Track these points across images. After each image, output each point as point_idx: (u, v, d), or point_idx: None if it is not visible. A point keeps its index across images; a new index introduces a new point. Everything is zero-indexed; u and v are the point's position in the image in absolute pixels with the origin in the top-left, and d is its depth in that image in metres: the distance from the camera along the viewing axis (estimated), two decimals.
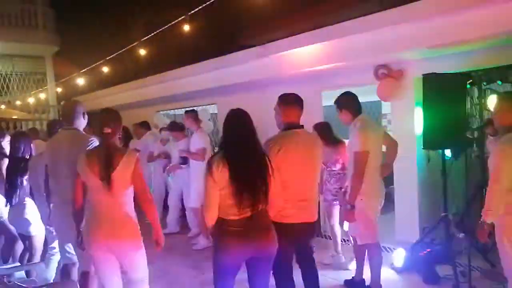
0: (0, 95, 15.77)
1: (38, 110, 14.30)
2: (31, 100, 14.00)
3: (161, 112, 9.62)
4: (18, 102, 14.49)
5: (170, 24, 5.63)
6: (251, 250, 2.53)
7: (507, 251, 2.65)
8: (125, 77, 9.77)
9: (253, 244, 2.52)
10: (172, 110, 9.64)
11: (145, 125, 7.36)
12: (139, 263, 2.76)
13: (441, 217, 4.08)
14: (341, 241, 4.55)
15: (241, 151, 2.49)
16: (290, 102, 2.96)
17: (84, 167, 2.65)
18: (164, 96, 8.48)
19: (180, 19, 5.43)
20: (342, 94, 3.59)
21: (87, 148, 2.93)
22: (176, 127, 6.12)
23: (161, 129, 7.19)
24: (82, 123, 3.23)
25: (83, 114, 3.25)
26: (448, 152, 4.20)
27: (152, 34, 6.01)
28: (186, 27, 5.69)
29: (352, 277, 3.96)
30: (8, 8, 14.12)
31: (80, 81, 10.04)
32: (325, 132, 4.37)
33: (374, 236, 3.51)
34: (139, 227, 2.74)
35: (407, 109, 4.67)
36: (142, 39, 6.37)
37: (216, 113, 8.10)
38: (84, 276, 3.09)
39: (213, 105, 7.98)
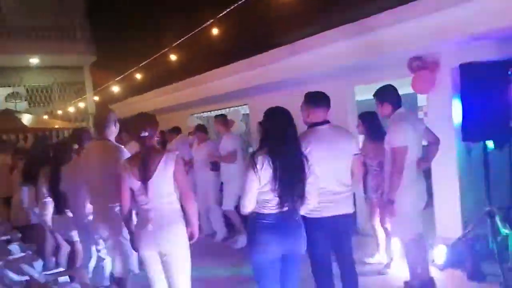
0: (43, 105, 16.59)
1: (78, 119, 14.95)
2: (71, 109, 14.64)
3: (195, 115, 9.79)
4: (59, 112, 15.20)
5: (200, 28, 5.71)
6: (285, 245, 2.58)
7: None
8: (159, 82, 10.02)
9: (287, 239, 2.58)
10: (205, 113, 9.79)
11: (176, 130, 7.46)
12: (185, 263, 2.80)
13: (485, 211, 3.92)
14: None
15: (286, 150, 2.53)
16: (315, 101, 2.99)
17: (126, 172, 2.74)
18: (196, 99, 8.63)
19: (209, 22, 5.51)
20: (382, 86, 3.55)
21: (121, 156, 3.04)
22: (199, 128, 6.18)
23: (189, 133, 7.27)
24: (113, 132, 3.33)
25: (115, 122, 3.35)
26: (490, 143, 4.03)
27: (183, 38, 6.13)
28: (216, 30, 5.76)
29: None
30: (47, 21, 14.84)
31: (116, 89, 10.40)
32: (365, 122, 4.34)
33: (408, 232, 3.42)
34: (185, 226, 2.79)
35: (444, 101, 4.52)
36: (173, 44, 6.51)
37: (248, 114, 8.14)
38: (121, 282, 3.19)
39: (245, 105, 8.03)
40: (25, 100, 16.63)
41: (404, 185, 3.29)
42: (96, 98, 13.37)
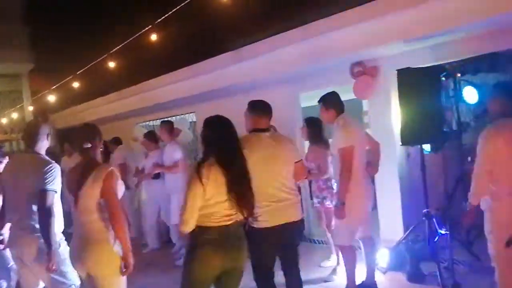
0: None
1: (14, 130, 14.00)
2: (4, 121, 13.69)
3: (141, 124, 9.46)
4: None
5: (140, 33, 5.52)
6: (227, 261, 2.45)
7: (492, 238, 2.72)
8: (102, 90, 9.60)
9: (230, 254, 2.46)
10: (152, 122, 9.49)
11: (115, 141, 7.12)
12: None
13: (423, 213, 4.02)
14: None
15: (232, 159, 2.46)
16: (257, 109, 2.99)
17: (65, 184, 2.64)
18: (142, 108, 8.34)
19: (149, 27, 5.34)
20: (328, 93, 3.64)
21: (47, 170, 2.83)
22: (147, 136, 5.97)
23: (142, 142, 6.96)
24: (44, 145, 3.06)
25: (47, 136, 3.09)
26: (427, 147, 4.17)
27: (124, 43, 5.90)
28: (159, 36, 5.59)
29: (362, 281, 3.78)
30: None
31: (56, 97, 9.83)
32: (308, 126, 4.38)
33: (349, 239, 3.44)
34: (112, 248, 2.52)
35: (385, 106, 4.65)
36: (113, 50, 6.25)
37: (195, 122, 7.98)
38: None
39: (192, 113, 7.87)
40: None
41: (352, 190, 3.31)
42: (31, 108, 12.56)
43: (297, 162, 3.03)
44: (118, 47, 6.04)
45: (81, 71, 7.48)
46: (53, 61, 12.57)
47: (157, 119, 9.11)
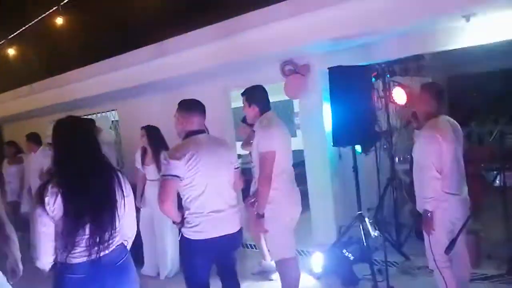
0: None
1: None
2: None
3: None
4: None
5: (41, 17, 4.87)
6: None
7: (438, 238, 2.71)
8: (11, 83, 8.56)
9: None
10: None
11: (33, 138, 6.31)
12: None
13: (355, 215, 3.93)
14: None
15: (80, 171, 1.93)
16: (191, 108, 2.70)
17: None
18: (57, 104, 7.53)
19: (52, 10, 4.71)
20: (252, 87, 3.29)
21: None
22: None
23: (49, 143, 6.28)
24: None
25: None
26: (358, 147, 4.08)
27: (27, 26, 5.19)
28: (66, 21, 4.97)
29: None
30: None
31: None
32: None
33: (288, 250, 3.17)
34: None
35: (316, 105, 4.50)
36: (12, 35, 5.50)
37: (117, 120, 7.38)
38: None
39: (114, 111, 7.26)
40: None
41: (278, 198, 3.05)
42: None
43: (236, 168, 2.77)
44: (16, 32, 5.31)
45: None
46: None
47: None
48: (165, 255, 4.37)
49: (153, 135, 4.44)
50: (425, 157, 2.74)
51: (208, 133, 2.74)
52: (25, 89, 8.11)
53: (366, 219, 4.03)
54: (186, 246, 2.57)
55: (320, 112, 4.48)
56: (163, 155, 2.68)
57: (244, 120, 4.34)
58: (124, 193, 2.03)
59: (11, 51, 5.86)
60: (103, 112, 7.42)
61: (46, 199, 1.85)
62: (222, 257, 2.70)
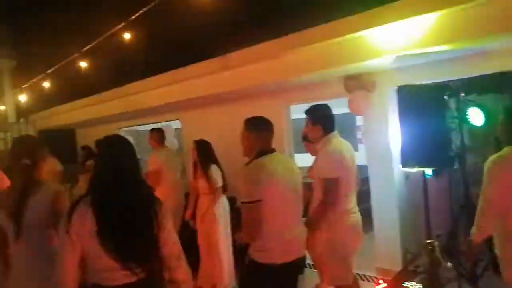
0: None
1: None
2: None
3: (125, 129, 9.01)
4: None
5: (111, 32, 5.10)
6: None
7: None
8: (83, 92, 9.12)
9: None
10: (137, 127, 9.04)
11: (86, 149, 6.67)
12: None
13: (424, 243, 3.67)
14: None
15: (114, 192, 1.87)
16: (259, 127, 2.59)
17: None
18: (124, 112, 7.89)
19: (120, 26, 4.93)
20: (317, 105, 3.21)
21: None
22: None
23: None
24: None
25: None
26: (429, 170, 3.82)
27: (97, 41, 5.50)
28: (136, 36, 5.19)
29: None
30: None
31: (34, 97, 9.36)
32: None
33: (345, 277, 3.04)
34: None
35: (382, 123, 4.29)
36: (85, 48, 5.84)
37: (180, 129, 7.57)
38: None
39: (177, 120, 7.46)
40: None
41: (335, 226, 2.93)
42: (2, 107, 11.88)
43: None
44: (89, 46, 5.65)
45: (51, 70, 7.05)
46: (36, 58, 12.04)
47: (141, 125, 8.69)
48: (222, 269, 4.38)
49: (202, 149, 4.52)
50: (485, 185, 2.49)
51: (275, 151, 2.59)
52: (95, 98, 8.60)
53: (436, 247, 3.75)
54: (253, 268, 2.48)
55: (386, 130, 4.26)
56: (242, 180, 2.46)
57: (304, 139, 4.24)
58: (159, 218, 1.91)
59: (83, 63, 6.24)
60: (166, 121, 7.64)
61: (73, 218, 1.81)
62: (287, 282, 2.56)
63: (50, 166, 6.35)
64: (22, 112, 13.31)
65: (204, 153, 4.46)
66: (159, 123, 7.80)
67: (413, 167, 3.80)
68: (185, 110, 6.89)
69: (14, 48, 14.09)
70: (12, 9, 14.02)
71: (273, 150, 2.57)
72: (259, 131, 2.57)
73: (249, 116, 2.67)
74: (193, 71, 5.87)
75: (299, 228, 2.55)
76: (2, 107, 13.00)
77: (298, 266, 2.57)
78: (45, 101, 10.48)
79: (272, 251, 2.39)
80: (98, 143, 5.04)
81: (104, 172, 1.92)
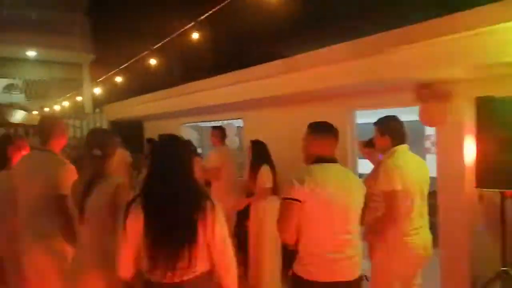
0: (39, 99, 16.17)
1: (72, 116, 14.41)
2: (65, 104, 14.20)
3: (188, 124, 9.27)
4: (56, 107, 14.73)
5: (180, 31, 5.23)
6: None
7: None
8: (151, 87, 9.52)
9: None
10: (201, 123, 9.27)
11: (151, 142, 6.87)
12: None
13: (498, 271, 3.36)
14: None
15: (164, 191, 1.93)
16: (324, 132, 2.47)
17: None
18: (189, 109, 8.11)
19: (188, 25, 5.03)
20: (386, 117, 3.11)
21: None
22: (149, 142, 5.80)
23: None
24: (59, 143, 2.85)
25: (63, 132, 2.86)
26: (509, 192, 3.48)
27: (166, 40, 5.69)
28: (204, 36, 5.30)
29: None
30: (46, 15, 14.45)
31: (107, 90, 9.94)
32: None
33: None
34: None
35: (456, 137, 3.96)
36: (155, 46, 6.07)
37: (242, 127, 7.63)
38: None
39: (239, 119, 7.52)
40: (22, 93, 16.28)
41: (394, 243, 2.78)
42: (79, 98, 12.70)
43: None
44: (159, 44, 5.87)
45: (124, 66, 7.42)
46: (112, 54, 12.80)
47: (204, 121, 8.89)
48: (266, 272, 4.34)
49: (256, 149, 4.51)
50: None
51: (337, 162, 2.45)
52: (163, 93, 8.93)
53: None
54: (294, 283, 2.37)
55: (461, 144, 3.94)
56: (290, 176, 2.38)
57: (367, 144, 4.10)
58: (207, 220, 1.94)
59: (153, 60, 6.52)
60: (229, 119, 7.74)
61: (128, 215, 1.92)
62: None
63: (121, 158, 6.70)
64: (96, 103, 14.23)
65: (258, 154, 4.47)
66: (222, 121, 7.93)
67: (490, 188, 3.49)
68: (248, 109, 6.92)
69: (93, 43, 15.12)
70: (93, 7, 15.01)
71: (333, 160, 2.42)
72: (321, 138, 2.45)
73: (312, 119, 2.57)
74: (258, 71, 5.87)
75: (351, 249, 2.34)
76: (80, 98, 13.98)
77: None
78: (117, 94, 11.07)
79: (312, 266, 2.27)
80: (160, 137, 5.20)
81: (155, 173, 1.99)
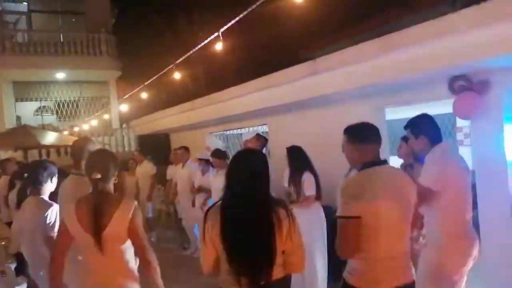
0: (70, 119, 16.66)
1: (100, 133, 14.71)
2: (94, 123, 14.55)
3: (214, 133, 9.31)
4: (85, 127, 15.14)
5: (203, 44, 5.25)
6: None
7: None
8: (177, 100, 9.66)
9: None
10: (226, 131, 9.29)
11: (185, 151, 6.72)
12: None
13: None
14: None
15: (240, 202, 1.99)
16: (364, 138, 2.25)
17: (73, 220, 2.22)
18: (214, 119, 8.15)
19: (213, 36, 5.04)
20: (416, 117, 2.92)
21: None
22: (216, 154, 5.57)
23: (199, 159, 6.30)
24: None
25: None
26: None
27: (189, 53, 5.75)
28: (226, 47, 5.30)
29: None
30: (74, 37, 14.92)
31: (133, 105, 10.13)
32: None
33: None
34: None
35: (493, 129, 3.78)
36: (178, 61, 6.12)
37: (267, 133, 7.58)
38: None
39: (264, 125, 7.48)
40: (53, 114, 16.79)
41: (439, 248, 2.68)
42: (124, 108, 12.75)
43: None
44: (183, 58, 5.94)
45: (148, 82, 7.54)
46: (138, 69, 13.10)
47: (230, 130, 8.90)
48: (312, 282, 4.21)
49: (293, 155, 4.35)
50: None
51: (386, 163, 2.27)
52: (188, 105, 9.02)
53: None
54: None
55: (499, 136, 3.75)
56: (340, 193, 2.23)
57: (404, 138, 3.94)
58: (283, 229, 1.97)
59: (177, 74, 6.59)
60: (253, 126, 7.71)
61: (207, 222, 2.00)
62: None
63: (146, 170, 6.67)
64: (124, 119, 14.51)
65: (296, 159, 4.31)
66: (247, 128, 7.91)
67: None
68: (272, 115, 6.87)
69: (119, 60, 15.47)
70: (118, 25, 15.41)
71: (382, 162, 2.24)
72: (360, 144, 2.24)
73: (340, 120, 2.43)
74: (281, 76, 5.83)
75: (403, 249, 2.20)
76: (107, 116, 14.29)
77: None
78: (143, 108, 11.29)
79: (367, 273, 2.13)
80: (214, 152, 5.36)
81: (233, 183, 2.05)
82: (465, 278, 2.80)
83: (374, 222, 2.07)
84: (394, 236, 2.15)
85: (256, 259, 1.93)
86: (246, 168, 2.05)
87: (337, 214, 2.16)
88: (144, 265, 2.25)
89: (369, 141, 2.23)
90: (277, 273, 1.99)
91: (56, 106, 16.83)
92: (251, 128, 7.82)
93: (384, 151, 5.01)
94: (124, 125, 14.33)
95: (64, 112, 16.88)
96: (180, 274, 5.51)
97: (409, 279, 2.21)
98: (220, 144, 7.22)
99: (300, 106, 6.04)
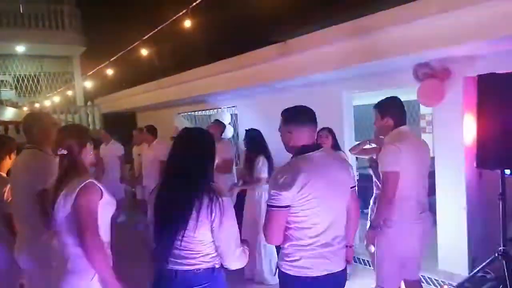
0: (30, 95, 15.95)
1: (63, 111, 14.17)
2: (56, 99, 13.99)
3: (182, 113, 9.17)
4: (46, 103, 14.53)
5: (172, 20, 5.11)
6: None
7: None
8: (144, 78, 9.39)
9: None
10: (193, 112, 9.17)
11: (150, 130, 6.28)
12: None
13: (498, 250, 3.33)
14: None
15: (169, 184, 2.03)
16: (300, 120, 2.18)
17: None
18: (182, 98, 8.00)
19: (181, 13, 4.90)
20: (387, 98, 2.95)
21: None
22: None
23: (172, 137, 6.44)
24: (47, 139, 2.68)
25: (49, 128, 2.72)
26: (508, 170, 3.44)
27: (156, 30, 5.56)
28: (194, 24, 5.16)
29: None
30: (35, 8, 14.13)
31: (98, 83, 9.80)
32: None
33: (387, 283, 2.83)
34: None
35: (454, 117, 3.92)
36: (145, 37, 5.92)
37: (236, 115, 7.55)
38: None
39: (234, 107, 7.43)
40: (12, 89, 16.01)
41: (396, 225, 2.73)
42: (89, 85, 12.27)
43: (351, 187, 2.28)
44: (150, 34, 5.74)
45: (115, 57, 7.26)
46: (103, 45, 12.55)
47: (198, 110, 8.79)
48: (262, 262, 4.30)
49: (250, 139, 4.41)
50: None
51: (321, 147, 2.21)
52: (155, 83, 8.80)
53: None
54: (283, 281, 2.20)
55: (460, 123, 3.90)
56: (270, 181, 2.19)
57: None
58: (200, 217, 1.89)
59: (144, 51, 6.37)
60: (223, 108, 7.64)
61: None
62: None
63: (113, 151, 6.48)
64: (88, 97, 14.02)
65: (251, 143, 4.37)
66: (216, 109, 7.83)
67: (491, 168, 3.45)
68: (242, 97, 6.83)
69: (83, 35, 14.81)
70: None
71: (316, 147, 2.18)
72: (294, 126, 2.17)
73: (309, 104, 2.26)
74: (252, 57, 5.77)
75: (336, 235, 2.17)
76: (70, 93, 13.75)
77: (336, 280, 2.21)
78: (109, 86, 10.92)
79: (299, 261, 2.11)
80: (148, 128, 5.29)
81: (168, 164, 2.05)
82: (419, 260, 2.92)
83: (305, 209, 2.04)
84: (326, 223, 2.11)
85: (166, 237, 1.93)
86: (182, 146, 2.07)
87: (267, 202, 2.12)
88: (86, 253, 2.04)
89: (303, 124, 2.17)
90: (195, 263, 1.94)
91: (15, 81, 16.05)
92: (220, 110, 7.76)
93: (350, 136, 5.15)
94: (89, 103, 13.86)
95: (24, 88, 16.15)
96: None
97: (340, 266, 2.20)
98: (187, 125, 7.12)
99: (270, 88, 6.02)
